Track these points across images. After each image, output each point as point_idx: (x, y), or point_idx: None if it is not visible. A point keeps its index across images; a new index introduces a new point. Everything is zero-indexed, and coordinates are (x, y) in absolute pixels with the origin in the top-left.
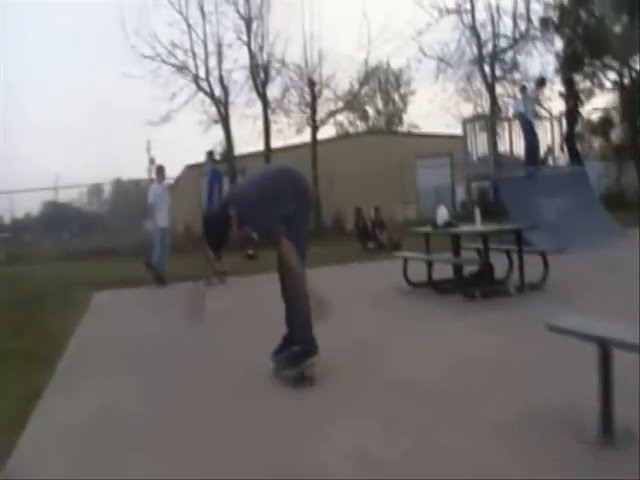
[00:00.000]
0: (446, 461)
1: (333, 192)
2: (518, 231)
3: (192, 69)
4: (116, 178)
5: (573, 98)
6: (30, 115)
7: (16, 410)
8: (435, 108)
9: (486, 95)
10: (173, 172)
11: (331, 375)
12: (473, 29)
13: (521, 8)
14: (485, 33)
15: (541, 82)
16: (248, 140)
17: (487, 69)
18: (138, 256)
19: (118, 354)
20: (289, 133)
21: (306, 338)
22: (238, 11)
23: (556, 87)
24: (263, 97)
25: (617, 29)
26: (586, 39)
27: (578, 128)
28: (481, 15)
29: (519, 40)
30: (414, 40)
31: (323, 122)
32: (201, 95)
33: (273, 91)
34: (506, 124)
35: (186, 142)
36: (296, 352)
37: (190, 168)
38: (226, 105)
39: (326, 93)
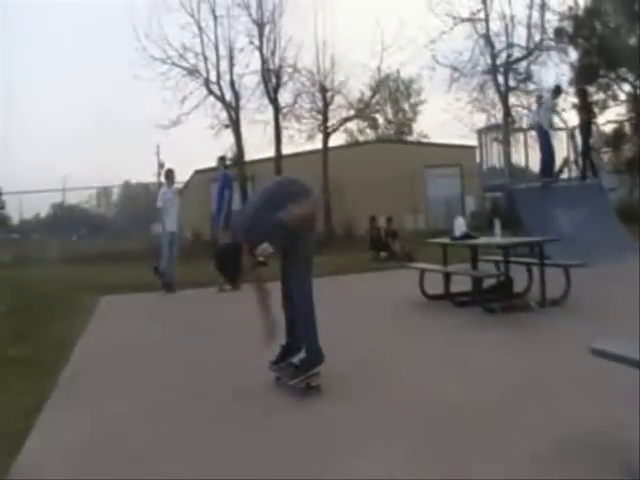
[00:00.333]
0: None
1: (343, 200)
2: (540, 244)
3: (203, 72)
4: (125, 181)
5: (586, 110)
6: (39, 117)
7: (15, 424)
8: (448, 118)
9: (499, 105)
10: (182, 177)
11: (347, 392)
12: (487, 38)
13: (535, 18)
14: (499, 42)
15: (557, 91)
16: (259, 146)
17: (501, 79)
18: (146, 260)
19: (123, 364)
20: (300, 139)
21: (312, 347)
22: (250, 15)
23: (570, 98)
24: (274, 102)
25: (632, 41)
26: (601, 50)
27: (592, 140)
28: (495, 24)
29: (533, 50)
30: (427, 48)
31: (335, 129)
32: (212, 99)
33: (285, 96)
34: (521, 135)
35: (195, 147)
36: (302, 361)
37: (199, 173)
38: (237, 110)
39: (338, 100)
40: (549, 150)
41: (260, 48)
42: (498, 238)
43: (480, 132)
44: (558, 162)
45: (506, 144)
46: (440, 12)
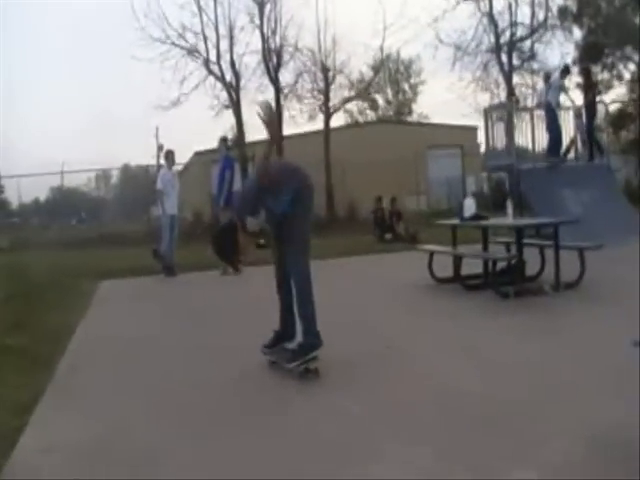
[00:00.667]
0: None
1: (345, 182)
2: (556, 225)
3: (203, 52)
4: (124, 164)
5: (591, 89)
6: (37, 100)
7: (8, 422)
8: (452, 97)
9: (503, 84)
10: (182, 158)
11: (360, 383)
12: (491, 17)
13: None
14: (503, 21)
15: (565, 70)
16: (259, 126)
17: (504, 58)
18: (146, 243)
19: (121, 353)
20: (301, 120)
21: (310, 330)
22: None
23: (574, 78)
24: (275, 82)
25: (638, 19)
26: (606, 29)
27: (597, 120)
28: (499, 3)
29: (537, 29)
30: (430, 27)
31: (336, 109)
32: (212, 79)
33: (286, 76)
34: (526, 114)
35: (195, 128)
36: (301, 345)
37: (199, 155)
38: (237, 90)
39: (339, 79)
40: (557, 129)
41: (261, 27)
42: (510, 219)
43: (486, 111)
44: (565, 142)
45: (511, 123)
46: None
